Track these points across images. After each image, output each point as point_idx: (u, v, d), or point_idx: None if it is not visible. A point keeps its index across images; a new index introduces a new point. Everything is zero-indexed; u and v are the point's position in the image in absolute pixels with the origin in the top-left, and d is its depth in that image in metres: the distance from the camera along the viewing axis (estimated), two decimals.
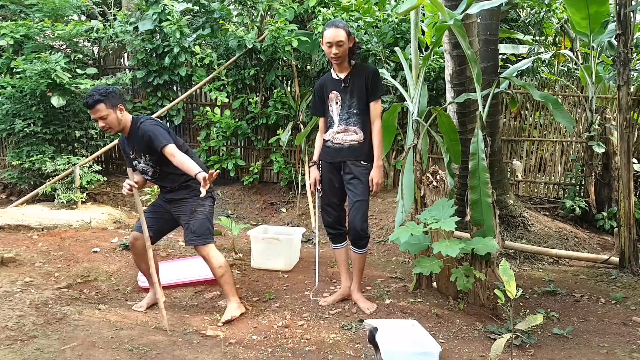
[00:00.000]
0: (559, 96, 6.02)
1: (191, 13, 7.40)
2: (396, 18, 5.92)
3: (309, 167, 3.46)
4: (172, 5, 6.06)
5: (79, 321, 2.90)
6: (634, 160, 4.96)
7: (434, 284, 3.54)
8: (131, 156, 3.15)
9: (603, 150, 5.45)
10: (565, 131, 6.16)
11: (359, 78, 3.22)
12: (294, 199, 6.23)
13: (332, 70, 3.33)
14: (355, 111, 3.22)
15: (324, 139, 3.36)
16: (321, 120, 3.41)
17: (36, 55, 5.66)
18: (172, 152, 2.92)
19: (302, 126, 6.12)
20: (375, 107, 3.24)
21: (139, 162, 3.13)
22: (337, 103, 3.27)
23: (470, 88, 4.10)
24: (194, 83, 6.39)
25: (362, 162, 3.23)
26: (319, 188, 3.38)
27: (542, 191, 6.34)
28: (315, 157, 3.42)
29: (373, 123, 3.24)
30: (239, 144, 6.66)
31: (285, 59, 6.32)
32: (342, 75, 3.25)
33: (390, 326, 2.86)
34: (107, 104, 2.95)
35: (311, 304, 3.38)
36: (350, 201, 3.23)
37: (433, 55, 5.51)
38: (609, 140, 5.51)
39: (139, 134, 3.01)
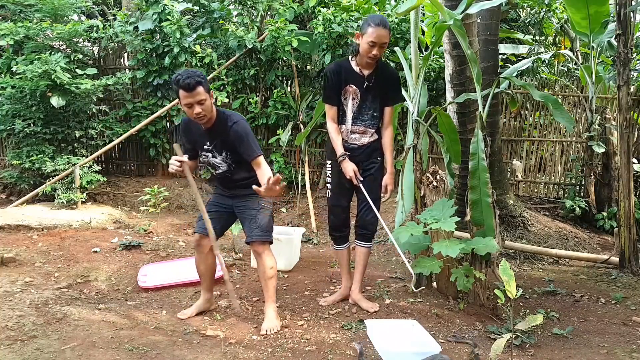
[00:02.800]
0: (559, 96, 6.02)
1: (191, 13, 7.41)
2: (396, 18, 5.92)
3: (340, 160, 3.12)
4: (172, 5, 6.06)
5: (79, 321, 2.90)
6: (634, 160, 4.96)
7: (434, 284, 3.54)
8: (205, 148, 2.96)
9: (603, 150, 5.45)
10: (565, 131, 6.16)
11: (383, 81, 3.13)
12: (294, 199, 6.23)
13: (351, 60, 3.13)
14: (375, 114, 3.19)
15: None
16: (334, 110, 3.17)
17: (36, 56, 5.66)
18: (261, 162, 2.82)
19: (302, 126, 6.12)
20: (391, 112, 3.22)
21: (214, 157, 2.96)
22: (354, 99, 3.14)
23: (470, 88, 4.10)
24: None
25: (377, 158, 3.25)
26: (361, 178, 3.12)
27: (542, 191, 6.34)
28: (341, 150, 3.12)
29: (386, 128, 3.22)
30: None
31: (285, 59, 6.32)
32: (366, 72, 3.09)
33: (390, 326, 2.86)
34: (205, 87, 2.76)
35: (311, 304, 3.38)
36: (365, 198, 3.20)
37: (433, 55, 5.51)
38: (609, 140, 5.51)
39: (229, 132, 2.85)
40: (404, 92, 3.64)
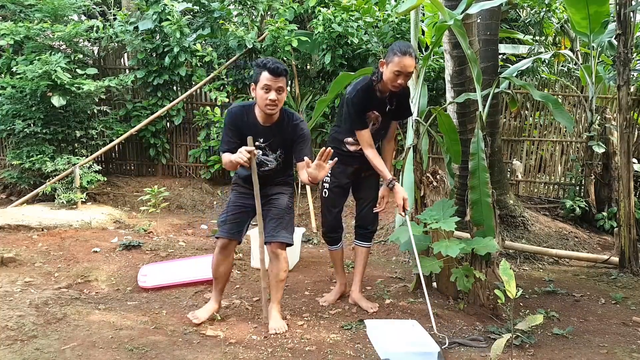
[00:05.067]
0: (559, 96, 6.02)
1: (191, 13, 7.41)
2: (396, 18, 5.92)
3: (389, 186, 3.03)
4: (172, 5, 6.06)
5: (79, 321, 2.90)
6: (634, 160, 4.96)
7: (434, 284, 3.54)
8: (257, 145, 2.89)
9: (603, 150, 5.45)
10: (565, 131, 6.16)
11: (399, 101, 3.10)
12: (293, 199, 6.22)
13: (374, 83, 3.02)
14: (385, 132, 3.23)
15: (344, 141, 3.19)
16: (368, 133, 3.06)
17: (37, 57, 5.66)
18: (309, 163, 2.74)
19: None
20: (396, 126, 3.25)
21: (265, 155, 2.94)
22: (374, 124, 3.12)
23: (470, 88, 4.10)
24: (194, 83, 6.39)
25: None
26: (407, 209, 3.03)
27: (542, 191, 6.34)
28: (389, 175, 3.03)
29: (389, 141, 3.27)
30: None
31: (285, 59, 6.32)
32: (385, 95, 3.04)
33: (390, 326, 2.87)
34: (287, 80, 2.80)
35: (311, 304, 3.38)
36: (367, 198, 3.25)
37: (433, 55, 5.51)
38: (609, 140, 5.51)
39: (295, 128, 2.87)
40: None
